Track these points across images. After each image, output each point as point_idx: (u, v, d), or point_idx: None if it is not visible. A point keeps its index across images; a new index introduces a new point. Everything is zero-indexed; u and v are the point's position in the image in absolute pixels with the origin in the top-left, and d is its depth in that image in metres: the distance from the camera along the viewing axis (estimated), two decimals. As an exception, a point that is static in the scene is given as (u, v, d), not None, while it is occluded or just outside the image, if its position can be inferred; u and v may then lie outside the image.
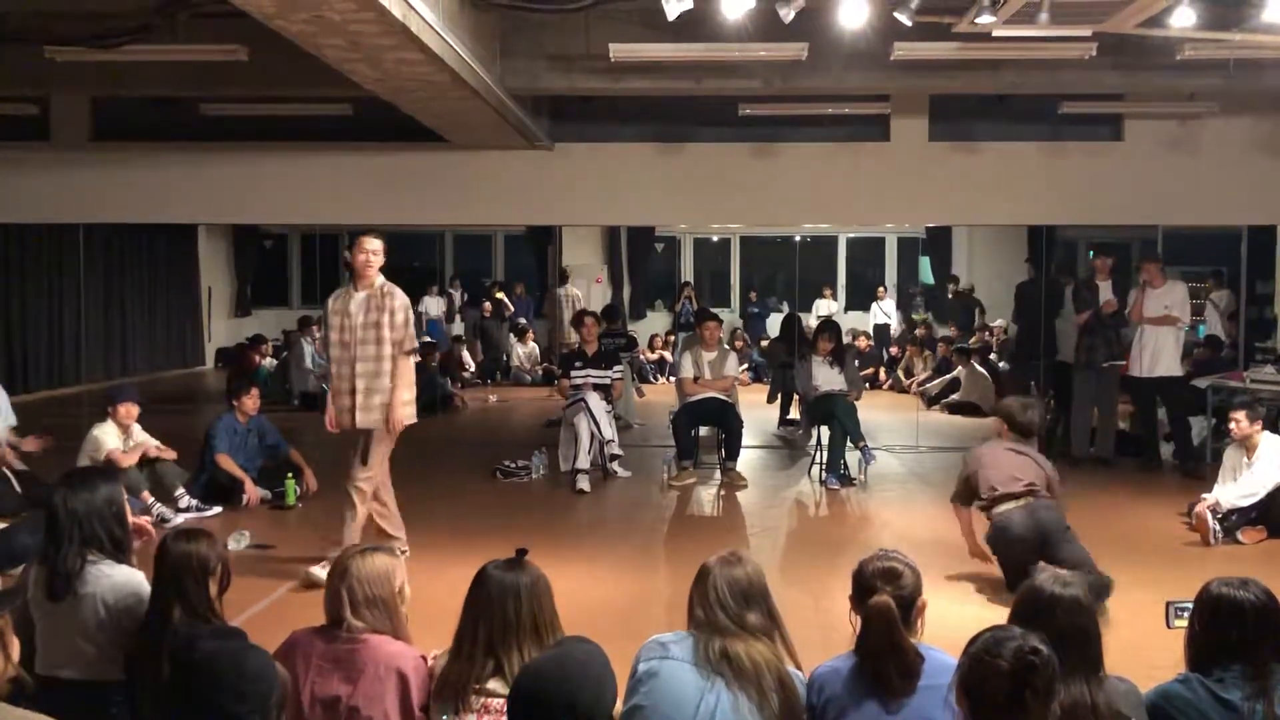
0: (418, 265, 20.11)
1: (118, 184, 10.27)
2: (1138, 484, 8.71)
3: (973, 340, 14.36)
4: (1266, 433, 7.03)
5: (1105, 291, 9.36)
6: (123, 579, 3.38)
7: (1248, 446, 6.94)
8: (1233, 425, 7.02)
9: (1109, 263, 9.61)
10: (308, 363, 13.53)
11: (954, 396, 13.07)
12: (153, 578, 3.26)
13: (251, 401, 8.03)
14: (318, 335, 14.62)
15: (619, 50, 7.46)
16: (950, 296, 16.01)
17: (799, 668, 2.83)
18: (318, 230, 18.70)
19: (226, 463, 7.69)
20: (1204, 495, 6.98)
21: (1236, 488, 6.87)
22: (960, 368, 13.16)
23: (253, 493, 7.66)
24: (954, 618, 4.71)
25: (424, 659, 2.96)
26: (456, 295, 17.55)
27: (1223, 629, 2.74)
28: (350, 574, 2.95)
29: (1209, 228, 11.63)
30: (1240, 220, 10.64)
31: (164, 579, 3.19)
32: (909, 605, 2.77)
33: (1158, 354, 8.94)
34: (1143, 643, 3.84)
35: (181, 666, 2.46)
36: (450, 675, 2.79)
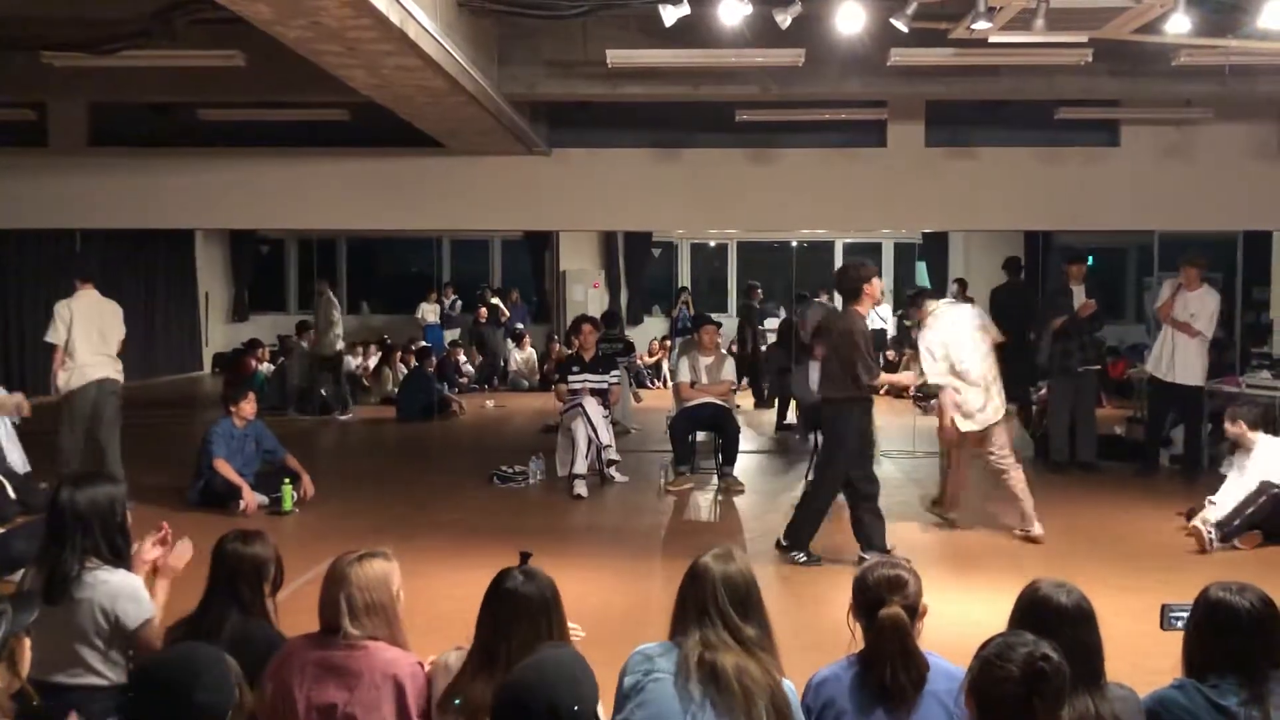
0: (415, 271, 20.12)
1: (115, 189, 10.27)
2: (1134, 488, 8.71)
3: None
4: (1263, 435, 7.03)
5: (1079, 296, 9.35)
6: (119, 583, 3.38)
7: (1245, 449, 6.96)
8: (1227, 426, 7.09)
9: (1082, 269, 9.60)
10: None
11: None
12: (208, 579, 3.29)
13: (249, 406, 8.03)
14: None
15: (616, 56, 7.47)
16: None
17: (782, 673, 2.80)
18: (315, 235, 18.76)
19: (224, 468, 7.68)
20: (1210, 499, 6.99)
21: (1232, 499, 6.87)
22: None
23: (250, 499, 7.64)
24: (952, 622, 4.72)
25: (421, 665, 2.94)
26: (449, 302, 17.55)
27: (1220, 635, 2.74)
28: (349, 581, 2.92)
29: (1205, 233, 11.65)
30: (1236, 225, 10.66)
31: (220, 581, 3.25)
32: (912, 611, 2.78)
33: (1181, 360, 8.86)
34: (1139, 647, 3.84)
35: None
36: (472, 693, 2.69)
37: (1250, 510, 6.74)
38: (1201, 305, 8.89)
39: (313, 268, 19.45)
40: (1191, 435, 9.13)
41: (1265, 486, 6.75)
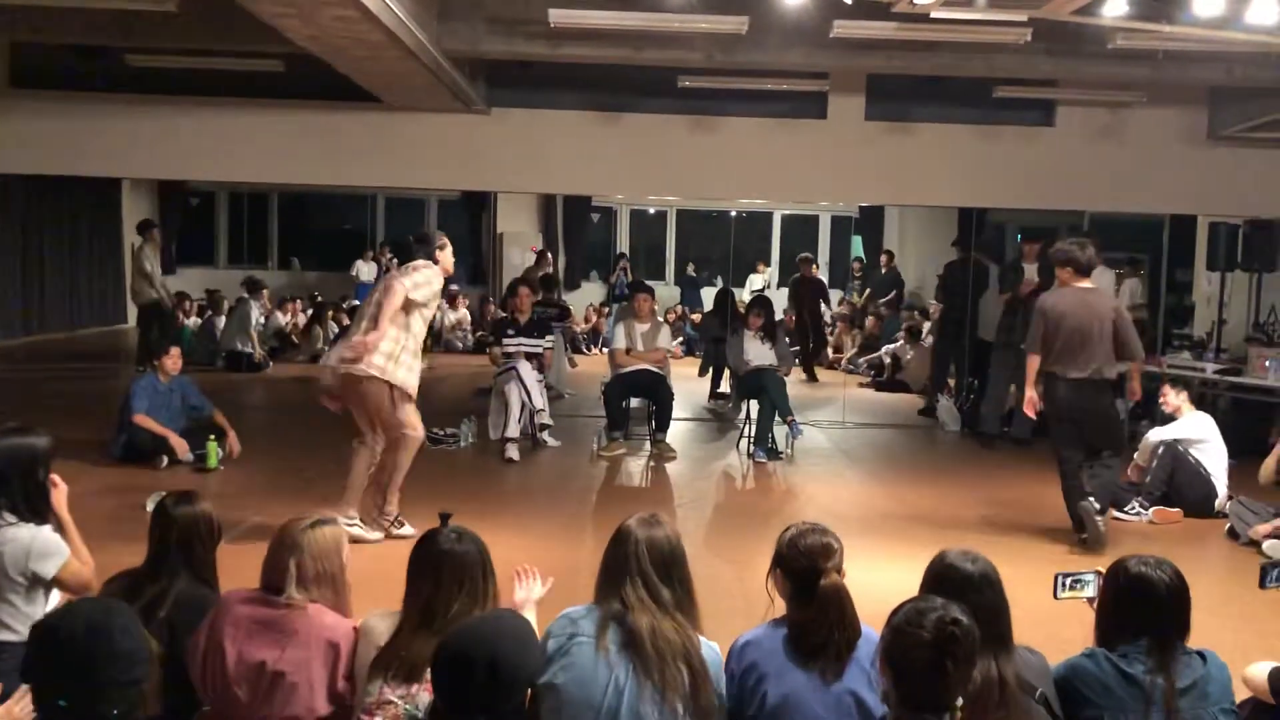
0: (349, 228, 19.82)
1: (37, 134, 9.93)
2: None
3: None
4: (1192, 409, 7.39)
5: (1030, 274, 9.51)
6: (28, 537, 3.31)
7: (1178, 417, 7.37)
8: (1161, 401, 7.46)
9: (1036, 247, 9.73)
10: (253, 326, 13.31)
11: (899, 375, 13.18)
12: (156, 544, 3.21)
13: (172, 361, 7.87)
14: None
15: (559, 16, 7.38)
16: (884, 272, 16.17)
17: (700, 633, 2.82)
18: (246, 189, 18.38)
19: (145, 421, 7.54)
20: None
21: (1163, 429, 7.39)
22: (910, 348, 13.19)
23: (180, 445, 7.55)
24: (875, 590, 4.79)
25: (355, 630, 2.93)
26: (385, 260, 17.32)
27: (1137, 607, 2.83)
28: (301, 548, 2.91)
29: (1133, 215, 11.89)
30: (1163, 209, 10.89)
31: (170, 544, 3.17)
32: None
33: None
34: (1054, 615, 3.95)
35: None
36: (413, 651, 2.70)
37: (1154, 464, 7.17)
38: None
39: (243, 221, 19.11)
40: None
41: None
